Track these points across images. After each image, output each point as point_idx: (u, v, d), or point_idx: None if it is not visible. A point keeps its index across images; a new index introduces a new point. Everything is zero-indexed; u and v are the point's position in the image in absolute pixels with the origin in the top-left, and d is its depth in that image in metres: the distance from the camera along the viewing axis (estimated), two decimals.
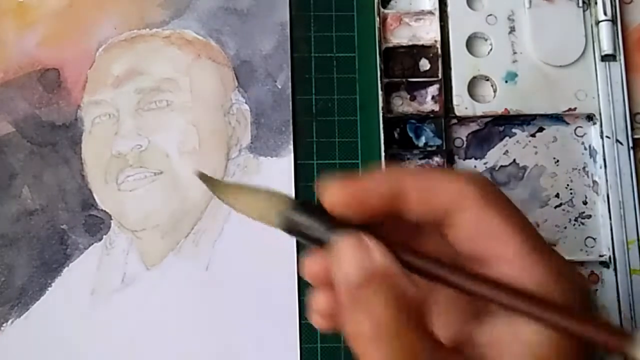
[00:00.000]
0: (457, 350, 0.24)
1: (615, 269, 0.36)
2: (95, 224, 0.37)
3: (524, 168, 0.38)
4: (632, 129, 0.38)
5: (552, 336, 0.23)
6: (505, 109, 0.38)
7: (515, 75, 0.38)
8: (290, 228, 0.24)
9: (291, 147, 0.38)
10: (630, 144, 0.37)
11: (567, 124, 0.39)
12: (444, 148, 0.38)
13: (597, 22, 0.39)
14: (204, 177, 0.26)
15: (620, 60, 0.38)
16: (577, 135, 0.38)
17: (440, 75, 0.38)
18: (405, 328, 0.23)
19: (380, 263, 0.23)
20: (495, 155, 0.38)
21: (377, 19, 0.39)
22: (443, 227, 0.25)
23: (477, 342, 0.24)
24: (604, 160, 0.37)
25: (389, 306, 0.23)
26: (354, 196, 0.24)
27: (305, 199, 0.23)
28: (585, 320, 0.22)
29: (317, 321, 0.26)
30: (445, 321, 0.26)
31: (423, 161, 0.38)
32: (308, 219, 0.24)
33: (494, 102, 0.38)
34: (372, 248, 0.24)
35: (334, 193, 0.24)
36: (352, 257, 0.24)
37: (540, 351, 0.23)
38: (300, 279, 0.36)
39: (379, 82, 0.38)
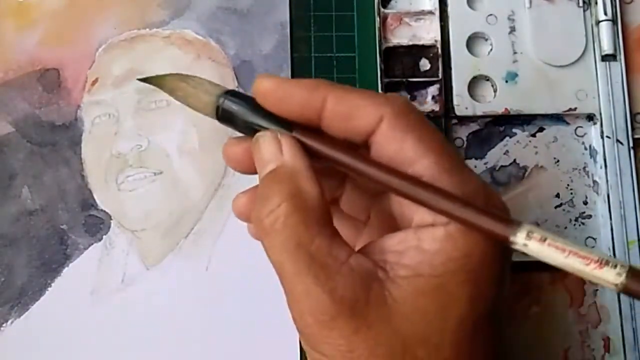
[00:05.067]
0: (362, 253, 0.25)
1: None
2: (95, 224, 0.37)
3: (524, 168, 0.38)
4: (633, 128, 0.37)
5: (451, 242, 0.24)
6: (506, 108, 0.38)
7: (516, 75, 0.38)
8: (223, 115, 0.26)
9: None
10: (631, 144, 0.37)
11: (568, 124, 0.39)
12: None
13: (598, 22, 0.39)
14: (145, 80, 0.28)
15: (620, 60, 0.38)
16: (578, 135, 0.38)
17: (440, 75, 0.38)
18: (297, 222, 0.24)
19: (288, 160, 0.25)
20: (496, 155, 0.38)
21: (377, 18, 0.39)
22: (364, 147, 0.26)
23: (383, 249, 0.25)
24: (605, 160, 0.37)
25: (284, 202, 0.25)
26: (277, 94, 0.26)
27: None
28: (476, 209, 0.24)
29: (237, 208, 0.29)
30: (363, 229, 0.29)
31: None
32: (239, 108, 0.26)
33: (494, 102, 0.38)
34: (284, 145, 0.26)
35: (261, 85, 0.26)
36: (266, 151, 0.26)
37: (439, 259, 0.24)
38: None
39: (379, 82, 0.38)
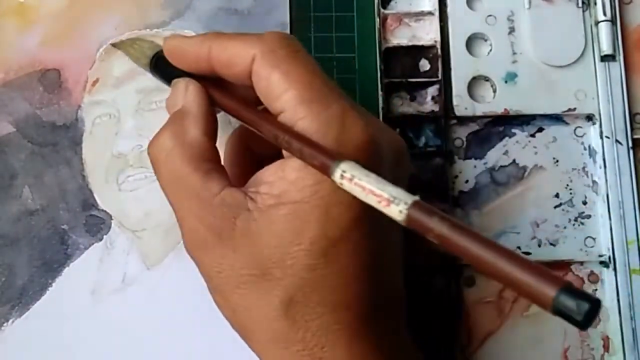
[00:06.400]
0: (244, 186, 0.28)
1: (614, 269, 0.36)
2: (96, 224, 0.37)
3: (524, 168, 0.38)
4: (632, 129, 0.38)
5: (306, 170, 0.26)
6: (505, 109, 0.38)
7: (515, 75, 0.38)
8: (154, 70, 0.32)
9: None
10: (630, 144, 0.37)
11: (567, 124, 0.39)
12: (444, 148, 0.38)
13: (597, 23, 0.39)
14: (116, 45, 0.37)
15: (619, 60, 0.38)
16: (577, 136, 0.39)
17: (440, 75, 0.38)
18: (175, 156, 0.28)
19: (186, 103, 0.29)
20: (495, 156, 0.38)
21: (377, 19, 0.39)
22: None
23: (259, 180, 0.27)
24: (604, 160, 0.37)
25: (169, 139, 0.28)
26: (176, 52, 0.30)
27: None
28: (312, 145, 0.25)
29: None
30: (243, 165, 0.32)
31: (422, 161, 0.38)
32: (165, 65, 0.31)
33: (494, 103, 0.38)
34: (188, 91, 0.29)
35: (165, 46, 0.30)
36: (176, 94, 0.30)
37: (296, 187, 0.26)
38: None
39: (379, 82, 0.38)
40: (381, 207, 0.23)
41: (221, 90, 0.30)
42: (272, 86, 0.27)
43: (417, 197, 0.23)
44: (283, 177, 0.26)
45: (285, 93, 0.27)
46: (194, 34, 0.40)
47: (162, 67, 0.31)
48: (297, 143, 0.26)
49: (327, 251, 0.26)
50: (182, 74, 0.30)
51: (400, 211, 0.23)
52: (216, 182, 0.27)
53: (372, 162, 0.26)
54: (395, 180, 0.25)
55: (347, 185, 0.24)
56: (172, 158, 0.28)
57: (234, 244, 0.26)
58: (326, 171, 0.25)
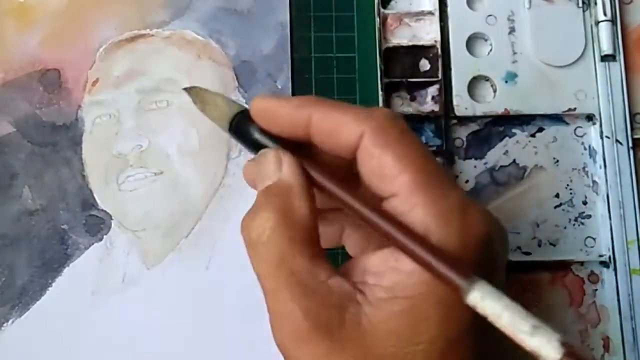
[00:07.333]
0: (344, 273, 0.25)
1: (615, 269, 0.36)
2: (96, 224, 0.37)
3: (524, 168, 0.38)
4: (632, 129, 0.38)
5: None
6: (505, 109, 0.38)
7: (515, 75, 0.38)
8: (235, 130, 0.28)
9: None
10: (630, 144, 0.37)
11: (567, 124, 0.39)
12: (444, 148, 0.38)
13: (597, 23, 0.39)
14: (188, 90, 0.30)
15: (619, 60, 0.38)
16: (577, 136, 0.39)
17: (440, 75, 0.38)
18: (282, 236, 0.25)
19: (285, 177, 0.26)
20: (495, 156, 0.38)
21: (377, 19, 0.39)
22: (352, 163, 0.26)
23: (364, 269, 0.25)
24: (604, 160, 0.37)
25: (272, 216, 0.25)
26: (268, 114, 0.27)
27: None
28: (440, 256, 0.23)
29: None
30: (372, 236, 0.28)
31: None
32: (251, 128, 0.28)
33: (494, 102, 0.38)
34: (284, 163, 0.26)
35: (254, 106, 0.27)
36: (267, 166, 0.26)
37: (412, 280, 0.24)
38: None
39: (379, 82, 0.38)
40: (521, 344, 0.21)
41: (311, 162, 0.27)
42: (385, 167, 0.25)
43: (562, 339, 0.21)
44: (396, 268, 0.24)
45: (400, 176, 0.24)
46: (194, 34, 0.40)
47: (243, 127, 0.28)
48: (413, 245, 0.24)
49: (445, 352, 0.24)
50: (266, 136, 0.27)
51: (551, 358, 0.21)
52: (323, 268, 0.25)
53: (490, 257, 0.25)
54: (500, 268, 0.24)
55: (481, 310, 0.22)
56: (277, 238, 0.25)
57: (343, 340, 0.24)
58: (454, 288, 0.23)
